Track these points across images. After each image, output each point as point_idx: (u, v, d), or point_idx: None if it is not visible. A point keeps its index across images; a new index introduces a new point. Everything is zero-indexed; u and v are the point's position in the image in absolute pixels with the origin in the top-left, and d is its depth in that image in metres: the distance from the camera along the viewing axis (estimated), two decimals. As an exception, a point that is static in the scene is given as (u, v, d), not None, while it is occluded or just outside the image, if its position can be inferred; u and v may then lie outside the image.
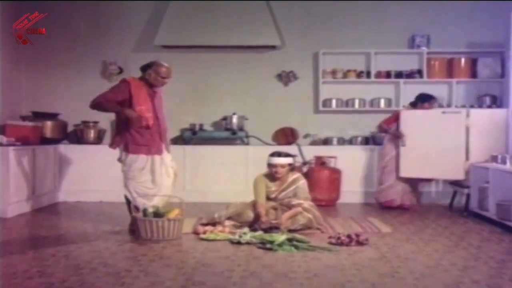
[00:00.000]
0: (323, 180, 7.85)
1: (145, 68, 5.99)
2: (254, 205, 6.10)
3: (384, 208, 7.73)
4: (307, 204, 6.06)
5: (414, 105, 7.95)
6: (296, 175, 6.33)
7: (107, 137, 8.81)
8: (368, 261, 4.76)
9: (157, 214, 5.59)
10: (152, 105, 5.93)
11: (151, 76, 5.95)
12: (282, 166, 6.11)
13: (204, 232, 5.70)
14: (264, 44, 8.82)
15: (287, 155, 6.23)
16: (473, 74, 8.81)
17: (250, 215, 6.06)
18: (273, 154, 6.19)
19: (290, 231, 5.75)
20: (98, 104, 5.82)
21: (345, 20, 9.02)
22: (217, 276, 4.30)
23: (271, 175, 6.17)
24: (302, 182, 6.21)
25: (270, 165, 6.16)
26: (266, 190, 6.16)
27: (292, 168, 6.30)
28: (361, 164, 8.43)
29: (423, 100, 7.85)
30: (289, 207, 6.02)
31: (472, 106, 8.47)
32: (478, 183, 7.03)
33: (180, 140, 8.84)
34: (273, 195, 6.16)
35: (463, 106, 8.47)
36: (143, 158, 5.82)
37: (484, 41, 8.79)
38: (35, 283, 4.10)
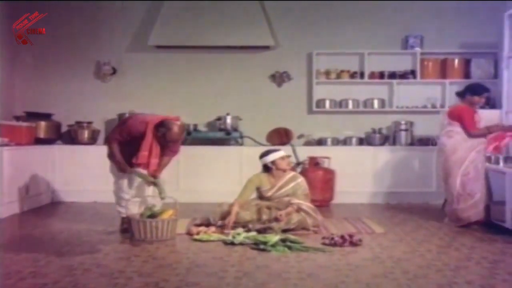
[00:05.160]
0: (317, 180, 7.84)
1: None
2: (242, 205, 6.13)
3: (463, 226, 6.40)
4: (306, 206, 6.02)
5: (461, 96, 6.73)
6: (293, 173, 6.40)
7: (101, 138, 8.82)
8: (361, 262, 4.77)
9: (151, 214, 5.59)
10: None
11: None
12: (288, 156, 6.38)
13: (198, 233, 5.70)
14: (257, 45, 8.83)
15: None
16: (467, 74, 8.84)
17: (242, 215, 6.05)
18: (270, 152, 6.28)
19: (284, 231, 5.76)
20: None
21: (339, 21, 9.03)
22: (210, 276, 4.30)
23: (270, 173, 6.23)
24: (302, 180, 6.26)
25: (276, 161, 6.20)
26: (261, 190, 6.21)
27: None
28: (355, 165, 8.43)
29: (474, 92, 6.60)
30: (286, 207, 6.02)
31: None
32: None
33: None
34: (268, 194, 6.18)
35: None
36: None
37: (477, 42, 8.83)
38: (28, 284, 4.10)
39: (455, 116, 6.59)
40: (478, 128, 6.48)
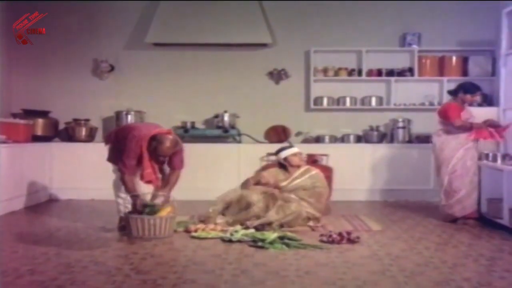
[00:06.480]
0: (314, 178, 7.85)
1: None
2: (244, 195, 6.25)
3: (452, 221, 6.53)
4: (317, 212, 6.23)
5: (453, 94, 6.72)
6: (307, 166, 6.60)
7: (99, 135, 8.81)
8: (359, 259, 4.77)
9: (149, 211, 5.58)
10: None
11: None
12: (300, 152, 6.52)
13: (196, 230, 5.70)
14: (255, 42, 8.82)
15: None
16: (464, 72, 8.83)
17: (249, 200, 6.15)
18: (283, 149, 6.55)
19: (281, 226, 5.80)
20: None
21: (337, 18, 9.03)
22: (208, 274, 4.30)
23: (286, 169, 6.43)
24: (316, 171, 6.46)
25: (288, 158, 6.41)
26: (276, 180, 6.37)
27: None
28: (353, 162, 8.44)
29: (467, 91, 6.60)
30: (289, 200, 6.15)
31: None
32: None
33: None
34: (283, 183, 6.34)
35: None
36: None
37: (475, 40, 8.83)
38: (26, 281, 4.10)
39: (442, 114, 6.66)
40: (463, 120, 6.47)
